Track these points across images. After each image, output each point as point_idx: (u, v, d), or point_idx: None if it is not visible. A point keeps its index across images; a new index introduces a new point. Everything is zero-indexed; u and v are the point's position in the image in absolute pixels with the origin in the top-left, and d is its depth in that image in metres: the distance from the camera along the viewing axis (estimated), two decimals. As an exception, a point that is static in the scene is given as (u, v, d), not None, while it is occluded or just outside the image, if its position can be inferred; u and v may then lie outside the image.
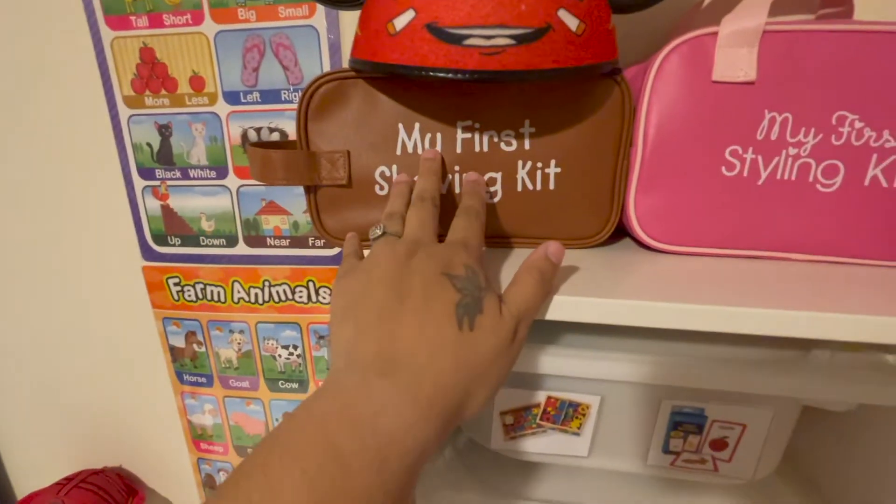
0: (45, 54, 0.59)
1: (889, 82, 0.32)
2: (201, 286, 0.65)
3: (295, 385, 0.68)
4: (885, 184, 0.34)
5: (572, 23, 0.30)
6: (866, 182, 0.34)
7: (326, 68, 0.54)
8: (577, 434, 0.35)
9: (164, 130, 0.59)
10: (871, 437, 0.33)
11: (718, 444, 0.33)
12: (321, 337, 0.65)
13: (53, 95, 0.61)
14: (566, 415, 0.35)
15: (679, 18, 0.47)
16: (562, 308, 0.29)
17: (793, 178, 0.35)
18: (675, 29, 0.47)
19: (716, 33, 0.33)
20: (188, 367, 0.71)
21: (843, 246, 0.36)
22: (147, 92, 0.58)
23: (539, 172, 0.37)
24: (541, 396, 0.35)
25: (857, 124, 0.33)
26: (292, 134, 0.57)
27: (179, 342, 0.69)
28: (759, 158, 0.34)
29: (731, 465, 0.33)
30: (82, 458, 0.80)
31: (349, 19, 0.52)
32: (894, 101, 0.32)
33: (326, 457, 0.19)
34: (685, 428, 0.32)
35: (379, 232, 0.31)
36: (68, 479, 0.73)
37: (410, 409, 0.21)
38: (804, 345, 0.33)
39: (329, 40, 0.53)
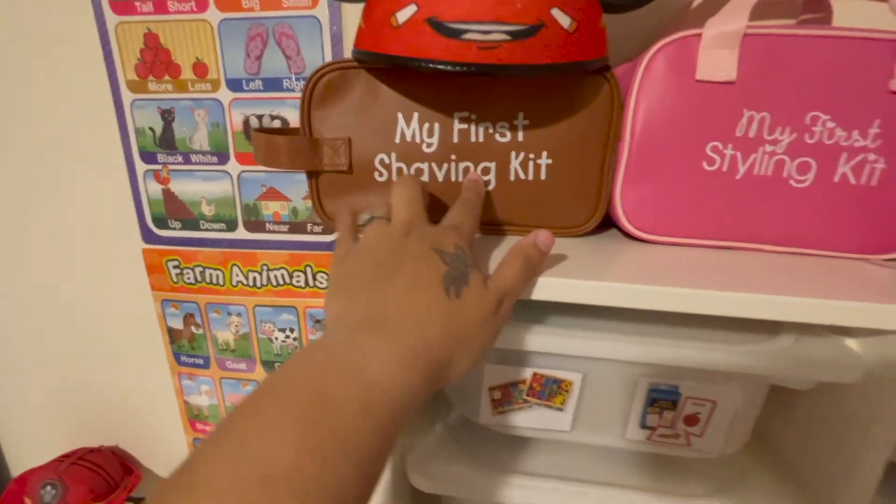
0: (50, 38, 0.60)
1: (859, 85, 0.34)
2: (200, 269, 0.67)
3: (291, 367, 0.70)
4: (853, 181, 0.36)
5: (565, 21, 0.32)
6: (836, 179, 0.36)
7: (328, 58, 0.56)
8: (560, 409, 0.37)
9: (167, 115, 0.61)
10: (831, 413, 0.35)
11: (691, 420, 0.35)
12: (318, 321, 0.67)
13: (57, 79, 0.62)
14: (550, 391, 0.37)
15: (669, 19, 0.49)
16: (550, 289, 0.31)
17: (769, 173, 0.37)
18: (665, 29, 0.49)
19: (700, 35, 0.35)
20: (186, 348, 0.72)
21: (814, 238, 0.38)
22: (150, 77, 0.59)
23: (531, 163, 0.39)
24: (527, 373, 0.37)
25: (829, 124, 0.35)
26: (293, 122, 0.58)
27: (178, 324, 0.71)
28: (738, 154, 0.37)
29: (703, 439, 0.35)
30: (79, 437, 0.82)
31: (351, 10, 0.53)
32: (863, 103, 0.35)
33: (316, 401, 0.20)
34: (661, 404, 0.35)
35: (367, 217, 0.32)
36: (66, 457, 0.75)
37: (396, 359, 0.23)
38: (774, 328, 0.35)
39: (331, 31, 0.54)
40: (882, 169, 0.35)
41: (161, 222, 0.66)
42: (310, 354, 0.23)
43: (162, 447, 0.81)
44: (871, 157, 0.35)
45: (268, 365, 0.71)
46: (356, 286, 0.27)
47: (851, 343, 0.33)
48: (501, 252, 0.32)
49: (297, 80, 0.57)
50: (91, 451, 0.77)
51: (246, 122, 0.59)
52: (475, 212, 0.34)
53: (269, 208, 0.62)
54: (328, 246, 0.63)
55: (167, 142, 0.62)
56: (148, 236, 0.67)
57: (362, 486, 0.20)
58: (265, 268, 0.65)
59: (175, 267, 0.67)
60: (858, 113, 0.35)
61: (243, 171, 0.61)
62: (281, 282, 0.65)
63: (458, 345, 0.25)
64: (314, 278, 0.64)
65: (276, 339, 0.69)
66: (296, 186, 0.61)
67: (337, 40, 0.55)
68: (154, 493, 0.18)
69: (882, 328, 0.30)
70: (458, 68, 0.31)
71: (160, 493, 0.18)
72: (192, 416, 0.77)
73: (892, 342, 0.30)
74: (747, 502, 0.37)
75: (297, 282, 0.65)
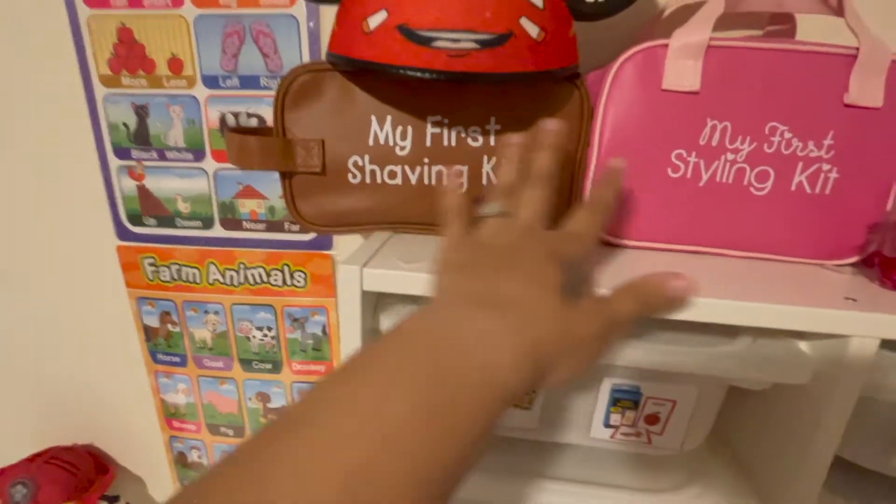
0: (19, 30, 0.59)
1: (815, 98, 0.36)
2: (176, 267, 0.66)
3: (268, 366, 0.70)
4: (808, 189, 0.38)
5: (533, 30, 0.32)
6: (793, 187, 0.38)
7: (306, 57, 0.55)
8: (527, 409, 0.38)
9: (141, 111, 0.60)
10: (783, 412, 0.37)
11: (652, 419, 0.36)
12: (295, 319, 0.67)
13: (27, 72, 0.60)
14: (518, 391, 0.38)
15: (643, 25, 0.50)
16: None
17: (730, 181, 0.38)
18: (637, 37, 0.50)
19: (667, 45, 0.36)
20: (162, 346, 0.72)
21: (774, 244, 0.40)
22: (124, 72, 0.58)
23: (503, 167, 0.40)
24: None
25: (787, 135, 0.37)
26: (271, 120, 0.57)
27: (154, 322, 0.70)
28: (702, 162, 0.38)
29: (663, 437, 0.37)
30: (53, 436, 0.80)
31: (328, 10, 0.53)
32: (819, 115, 0.36)
33: (433, 369, 0.19)
34: (623, 404, 0.36)
35: (491, 210, 0.31)
36: (37, 455, 0.74)
37: (509, 344, 0.21)
38: (732, 331, 0.36)
39: (309, 29, 0.54)
40: (835, 178, 0.37)
41: (136, 219, 0.65)
42: (420, 323, 0.22)
43: (138, 445, 0.80)
44: (826, 166, 0.37)
45: (245, 363, 0.71)
46: (472, 269, 0.26)
47: (803, 346, 0.35)
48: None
49: (274, 78, 0.57)
50: (64, 449, 0.76)
51: (222, 120, 0.59)
52: (605, 216, 0.31)
53: (246, 206, 0.62)
54: (306, 245, 0.63)
55: (141, 138, 0.61)
56: (123, 233, 0.66)
57: (465, 462, 0.19)
58: (242, 266, 0.65)
59: (151, 264, 0.67)
60: (814, 124, 0.36)
61: (220, 169, 0.61)
62: (258, 280, 0.65)
63: (565, 352, 0.24)
64: (291, 277, 0.64)
65: (254, 337, 0.68)
66: (273, 185, 0.61)
67: (314, 39, 0.54)
68: (279, 420, 0.18)
69: (831, 332, 0.31)
70: (427, 75, 0.31)
71: (284, 422, 0.18)
72: (169, 415, 0.76)
73: (838, 345, 0.32)
74: (704, 498, 0.38)
75: (275, 280, 0.65)
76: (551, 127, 0.33)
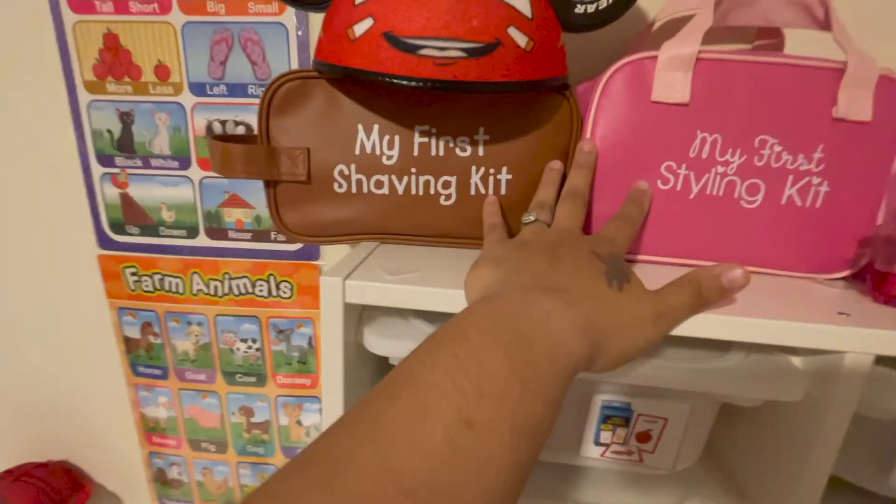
0: (3, 34, 0.58)
1: (804, 111, 0.36)
2: (159, 277, 0.65)
3: (253, 379, 0.68)
4: (799, 203, 0.37)
5: (521, 40, 0.32)
6: (783, 200, 0.37)
7: (295, 65, 0.55)
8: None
9: (126, 118, 0.59)
10: (776, 429, 0.36)
11: (643, 437, 0.35)
12: (280, 331, 0.65)
13: (10, 76, 0.59)
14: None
15: (634, 36, 0.50)
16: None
17: (720, 193, 0.38)
18: (627, 49, 0.50)
19: (656, 57, 0.36)
20: (143, 358, 0.70)
21: (765, 257, 0.39)
22: (109, 78, 0.57)
23: (491, 178, 0.39)
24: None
25: (777, 148, 0.36)
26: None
27: (135, 333, 0.68)
28: (692, 174, 0.37)
29: (655, 456, 0.36)
30: (27, 452, 0.77)
31: (318, 17, 0.53)
32: (808, 128, 0.36)
33: (513, 335, 0.21)
34: (614, 421, 0.35)
35: (531, 218, 0.33)
36: (8, 473, 0.71)
37: (570, 321, 0.23)
38: (724, 346, 0.36)
39: (298, 37, 0.54)
40: (826, 192, 0.37)
41: (118, 228, 0.63)
42: (490, 302, 0.24)
43: (115, 461, 0.77)
44: (816, 180, 0.37)
45: (228, 376, 0.69)
46: (517, 265, 0.27)
47: (796, 361, 0.34)
48: (463, 266, 0.31)
49: (263, 86, 0.56)
50: (37, 466, 0.73)
51: (209, 128, 0.58)
52: (633, 229, 0.33)
53: (232, 215, 0.61)
54: (292, 255, 0.61)
55: (126, 145, 0.60)
56: (104, 242, 0.64)
57: (549, 425, 0.21)
58: (227, 276, 0.63)
59: (133, 274, 0.65)
60: (804, 138, 0.36)
61: (205, 177, 0.60)
62: (243, 291, 0.63)
63: (614, 333, 0.25)
64: (277, 287, 0.63)
65: (238, 349, 0.67)
66: (260, 194, 0.60)
67: (303, 47, 0.54)
68: (378, 388, 0.19)
69: (824, 348, 0.31)
70: (413, 83, 0.31)
71: (384, 387, 0.19)
72: (149, 429, 0.74)
73: (832, 361, 0.31)
74: (698, 518, 0.37)
75: (260, 291, 0.63)
76: (586, 148, 0.36)
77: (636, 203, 0.35)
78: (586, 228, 0.38)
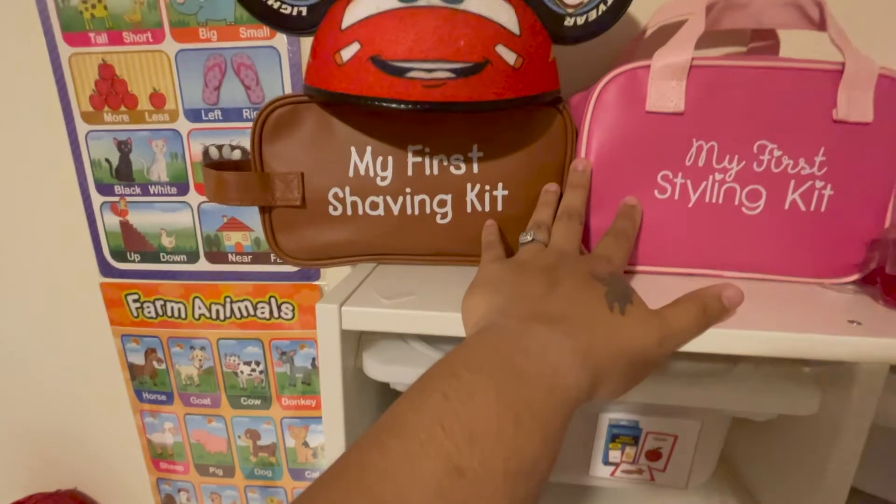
0: (1, 68, 0.58)
1: (803, 115, 0.35)
2: (161, 302, 0.64)
3: (257, 401, 0.68)
4: (802, 207, 0.36)
5: (510, 57, 0.32)
6: (786, 206, 0.37)
7: (288, 89, 0.55)
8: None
9: (124, 146, 0.59)
10: (792, 442, 0.35)
11: (653, 455, 0.34)
12: (283, 353, 0.65)
13: (9, 110, 0.60)
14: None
15: (626, 46, 0.50)
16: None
17: (720, 201, 0.37)
18: (620, 58, 0.50)
19: (649, 66, 0.36)
20: (148, 384, 0.69)
21: (770, 264, 0.38)
22: (106, 108, 0.58)
23: (487, 195, 0.39)
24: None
25: (776, 153, 0.36)
26: (254, 152, 0.57)
27: (139, 359, 0.68)
28: (689, 183, 0.37)
29: (666, 474, 0.35)
30: (35, 482, 0.77)
31: (309, 41, 0.53)
32: (808, 131, 0.35)
33: (510, 374, 0.20)
34: (622, 440, 0.34)
35: (528, 238, 0.33)
36: (19, 503, 0.71)
37: (569, 352, 0.22)
38: (733, 358, 0.35)
39: (290, 61, 0.54)
40: (830, 195, 0.36)
41: (119, 255, 0.64)
42: (484, 337, 0.23)
43: (124, 488, 0.77)
44: (819, 184, 0.36)
45: (233, 399, 0.68)
46: (515, 291, 0.27)
47: (807, 371, 0.33)
48: (462, 284, 0.31)
49: (257, 109, 0.56)
50: (46, 496, 0.73)
51: (205, 153, 0.58)
52: (628, 244, 0.33)
53: (231, 239, 0.61)
54: (292, 276, 0.61)
55: (124, 173, 0.60)
56: (106, 270, 0.64)
57: (547, 464, 0.20)
58: (228, 300, 0.63)
59: (135, 301, 0.65)
60: (804, 141, 0.35)
61: (203, 202, 0.60)
62: (245, 314, 0.63)
63: (618, 361, 0.24)
64: (279, 309, 0.62)
65: (242, 372, 0.66)
66: (258, 217, 0.59)
67: (296, 70, 0.54)
68: (367, 434, 0.19)
69: (836, 359, 0.29)
70: (403, 106, 0.30)
71: (373, 434, 0.19)
72: (156, 455, 0.73)
73: (845, 372, 0.30)
74: (714, 537, 0.36)
75: (262, 313, 0.63)
76: (580, 167, 0.36)
77: (628, 218, 0.35)
78: (584, 242, 0.38)
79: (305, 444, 0.69)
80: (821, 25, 0.36)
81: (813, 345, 0.29)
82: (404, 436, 0.18)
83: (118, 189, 0.61)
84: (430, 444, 0.17)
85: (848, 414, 0.30)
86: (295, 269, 0.61)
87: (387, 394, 0.42)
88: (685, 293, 0.27)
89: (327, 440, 0.34)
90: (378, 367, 0.34)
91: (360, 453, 0.18)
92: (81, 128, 0.59)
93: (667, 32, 0.39)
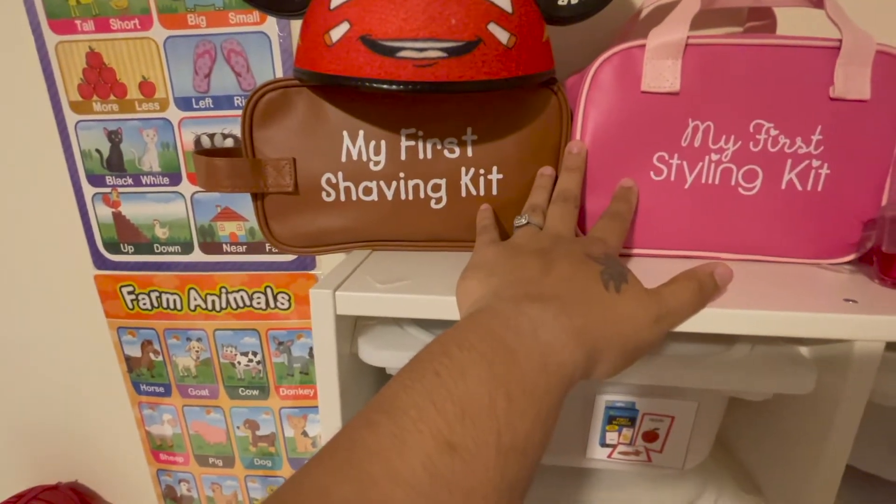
0: (-14, 58, 0.57)
1: (800, 93, 0.34)
2: (156, 294, 0.64)
3: (255, 392, 0.68)
4: (799, 187, 0.36)
5: (503, 36, 0.31)
6: (783, 186, 0.36)
7: (280, 74, 0.54)
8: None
9: (114, 136, 0.58)
10: (788, 421, 0.35)
11: (650, 436, 0.34)
12: (280, 343, 0.65)
13: (-5, 100, 0.59)
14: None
15: (622, 26, 0.49)
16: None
17: (716, 182, 0.37)
18: (616, 39, 0.49)
19: (644, 45, 0.35)
20: (145, 376, 0.69)
21: (767, 245, 0.38)
22: (95, 97, 0.57)
23: (482, 178, 0.38)
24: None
25: (773, 132, 0.35)
26: (246, 140, 0.56)
27: (135, 352, 0.68)
28: (685, 164, 0.36)
29: (663, 455, 0.35)
30: (37, 475, 0.77)
31: (299, 25, 0.52)
32: (804, 110, 0.35)
33: (502, 352, 0.20)
34: (619, 421, 0.34)
35: (523, 221, 0.33)
36: (19, 497, 0.71)
37: (561, 330, 0.22)
38: (730, 338, 0.35)
39: (281, 46, 0.53)
40: (826, 175, 0.36)
41: (113, 247, 0.63)
42: (476, 317, 0.23)
43: (124, 480, 0.77)
44: (816, 163, 0.35)
45: (231, 390, 0.68)
46: (510, 273, 0.27)
47: (804, 351, 0.33)
48: (459, 268, 0.30)
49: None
50: (46, 489, 0.73)
51: (197, 142, 0.57)
52: (624, 226, 0.33)
53: (226, 229, 0.60)
54: (288, 266, 0.61)
55: (115, 164, 0.59)
56: (100, 262, 0.64)
57: (540, 441, 0.20)
58: (224, 290, 0.63)
59: (130, 293, 0.65)
60: (800, 120, 0.35)
61: (197, 192, 0.59)
62: (241, 304, 0.63)
63: (613, 339, 0.24)
64: (275, 299, 0.62)
65: (239, 363, 0.66)
66: (252, 206, 0.59)
67: (287, 55, 0.53)
68: (359, 413, 0.19)
69: (832, 337, 0.29)
70: (394, 87, 0.30)
71: (364, 413, 0.19)
72: (155, 447, 0.74)
73: (841, 350, 0.30)
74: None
75: (258, 303, 0.63)
76: (575, 150, 0.36)
77: (624, 200, 0.35)
78: (580, 224, 0.38)
79: (304, 434, 0.70)
80: (817, 2, 0.36)
81: (808, 323, 0.29)
82: (395, 414, 0.18)
83: (110, 180, 0.60)
84: (422, 420, 0.17)
85: (844, 392, 0.30)
86: (290, 258, 0.60)
87: (384, 379, 0.42)
88: (680, 272, 0.27)
89: (323, 427, 0.34)
90: (373, 353, 0.34)
91: (351, 433, 0.18)
92: (70, 118, 0.58)
93: (663, 12, 0.38)
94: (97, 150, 0.59)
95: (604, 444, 0.35)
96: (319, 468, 0.17)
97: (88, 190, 0.61)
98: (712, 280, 0.28)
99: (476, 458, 0.17)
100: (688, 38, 0.34)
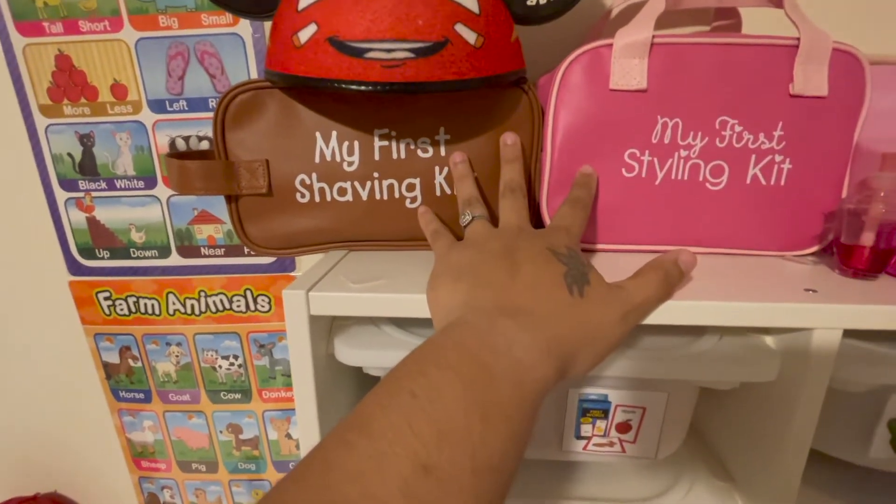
0: (-50, 61, 0.56)
1: (762, 89, 0.36)
2: (134, 299, 0.63)
3: (238, 395, 0.67)
4: (763, 181, 0.37)
5: (470, 36, 0.31)
6: (748, 180, 0.37)
7: (254, 75, 0.54)
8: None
9: (86, 140, 0.57)
10: (754, 409, 0.36)
11: (623, 427, 0.35)
12: (262, 346, 0.64)
13: (-39, 104, 0.58)
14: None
15: (592, 26, 0.50)
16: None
17: (685, 178, 0.38)
18: (586, 38, 0.50)
19: (611, 45, 0.36)
20: (124, 383, 0.68)
21: (734, 238, 0.39)
22: (65, 101, 0.56)
23: (455, 177, 0.39)
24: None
25: (737, 128, 0.36)
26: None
27: (113, 358, 0.67)
28: (655, 160, 0.37)
29: (636, 445, 0.36)
30: (14, 486, 0.76)
31: (274, 27, 0.52)
32: (766, 106, 0.36)
33: (478, 370, 0.21)
34: (593, 414, 0.35)
35: (469, 218, 0.33)
36: (-4, 510, 0.69)
37: (535, 346, 0.23)
38: (699, 330, 0.35)
39: (255, 48, 0.53)
40: (789, 169, 0.37)
41: (88, 252, 0.62)
42: (452, 333, 0.23)
43: (105, 489, 0.76)
44: (778, 158, 0.37)
45: (213, 394, 0.68)
46: (478, 280, 0.27)
47: (769, 340, 0.34)
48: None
49: (223, 98, 0.55)
50: (24, 500, 0.71)
51: (172, 144, 0.57)
52: (585, 212, 0.33)
53: (203, 232, 0.60)
54: (267, 268, 0.61)
55: (88, 168, 0.58)
56: (74, 268, 0.63)
57: (515, 458, 0.20)
58: (203, 294, 0.62)
59: (106, 298, 0.64)
60: (763, 116, 0.36)
61: (173, 196, 0.59)
62: (220, 307, 0.62)
63: (581, 344, 0.24)
64: (255, 301, 0.62)
65: (220, 367, 0.66)
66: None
67: (262, 57, 0.53)
68: (333, 432, 0.19)
69: (792, 326, 0.30)
70: (362, 87, 0.30)
71: (339, 433, 0.18)
72: (136, 454, 0.73)
73: (802, 338, 0.31)
74: (687, 502, 0.37)
75: (238, 306, 0.62)
76: (510, 141, 0.36)
77: (584, 186, 0.35)
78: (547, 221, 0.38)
79: (288, 437, 0.69)
80: (777, 2, 0.37)
81: (770, 313, 0.30)
82: (372, 435, 0.18)
83: (83, 184, 0.59)
84: (398, 443, 0.17)
85: (805, 379, 0.31)
86: (270, 260, 0.60)
87: (362, 380, 0.43)
88: (647, 262, 0.28)
89: (301, 429, 0.34)
90: (349, 352, 0.34)
91: (325, 452, 0.18)
92: (40, 122, 0.57)
93: (634, 11, 0.39)
94: (69, 154, 0.58)
95: (579, 437, 0.36)
96: (294, 489, 0.17)
97: (61, 195, 0.60)
98: (677, 268, 0.29)
99: (451, 479, 0.17)
100: (653, 37, 0.35)
